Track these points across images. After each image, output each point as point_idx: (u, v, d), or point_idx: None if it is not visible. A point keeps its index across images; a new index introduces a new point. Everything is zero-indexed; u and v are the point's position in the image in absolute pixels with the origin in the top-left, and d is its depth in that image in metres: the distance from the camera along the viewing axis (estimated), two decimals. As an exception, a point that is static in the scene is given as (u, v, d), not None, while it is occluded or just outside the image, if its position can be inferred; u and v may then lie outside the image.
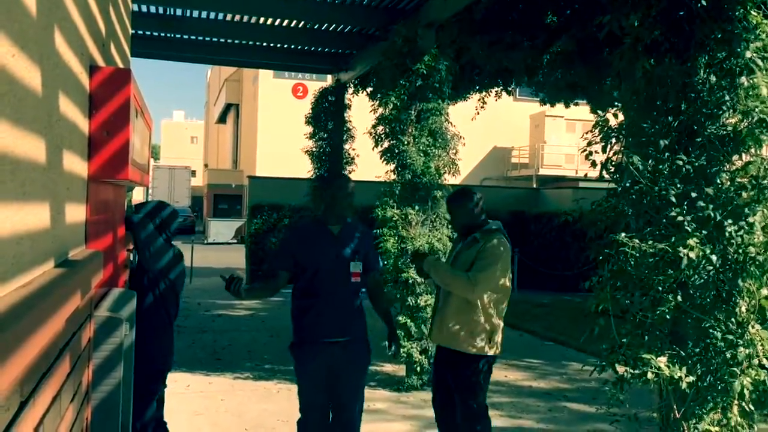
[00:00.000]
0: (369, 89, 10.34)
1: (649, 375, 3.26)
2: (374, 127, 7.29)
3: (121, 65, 3.59)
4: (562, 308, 12.28)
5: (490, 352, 4.12)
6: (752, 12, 3.27)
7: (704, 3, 3.34)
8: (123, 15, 3.77)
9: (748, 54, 3.28)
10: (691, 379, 3.28)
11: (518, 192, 19.16)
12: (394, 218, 6.98)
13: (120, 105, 2.62)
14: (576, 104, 11.26)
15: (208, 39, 9.93)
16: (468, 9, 7.31)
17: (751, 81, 3.28)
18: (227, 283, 3.95)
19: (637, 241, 3.35)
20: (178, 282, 4.30)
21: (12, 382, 1.27)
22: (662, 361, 3.27)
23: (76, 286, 1.96)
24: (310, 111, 10.67)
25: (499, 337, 4.16)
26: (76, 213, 2.34)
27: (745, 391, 3.30)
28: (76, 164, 2.32)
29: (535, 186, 24.30)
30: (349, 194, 4.02)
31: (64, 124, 2.08)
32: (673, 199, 3.31)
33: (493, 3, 7.80)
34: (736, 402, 3.39)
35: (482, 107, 10.53)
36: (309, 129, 10.69)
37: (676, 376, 3.24)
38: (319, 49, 10.21)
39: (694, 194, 3.33)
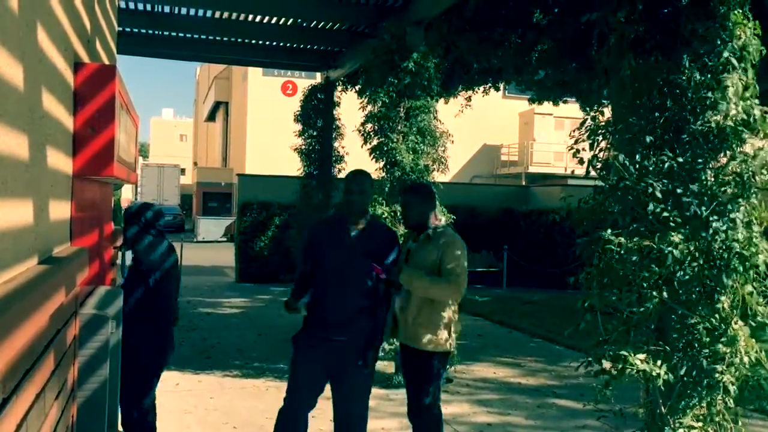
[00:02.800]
0: (358, 87, 10.33)
1: (627, 371, 3.28)
2: (363, 124, 7.30)
3: (107, 62, 3.58)
4: (551, 305, 12.32)
5: (450, 348, 4.18)
6: (734, 11, 3.30)
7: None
8: (109, 12, 3.76)
9: (726, 53, 3.31)
10: (668, 376, 3.30)
11: (507, 189, 19.22)
12: (383, 215, 6.99)
13: (105, 101, 2.61)
14: (565, 102, 11.29)
15: (196, 36, 9.90)
16: (457, 6, 7.32)
17: (731, 79, 3.31)
18: (288, 308, 3.99)
19: (622, 238, 3.36)
20: (171, 275, 4.34)
21: (-7, 379, 1.27)
22: (640, 358, 3.29)
23: (60, 283, 1.96)
24: (300, 109, 10.65)
25: (455, 332, 4.21)
26: (60, 210, 2.33)
27: (729, 387, 3.33)
28: (60, 161, 2.31)
29: (524, 183, 24.36)
30: (355, 193, 3.92)
31: (48, 120, 2.07)
32: (659, 196, 3.33)
33: (482, 1, 7.81)
34: (720, 397, 3.41)
35: (467, 105, 10.55)
36: (298, 127, 10.67)
37: (654, 373, 3.26)
38: (309, 46, 10.20)
39: (679, 191, 3.34)
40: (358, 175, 4.08)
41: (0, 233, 1.50)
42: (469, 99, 10.62)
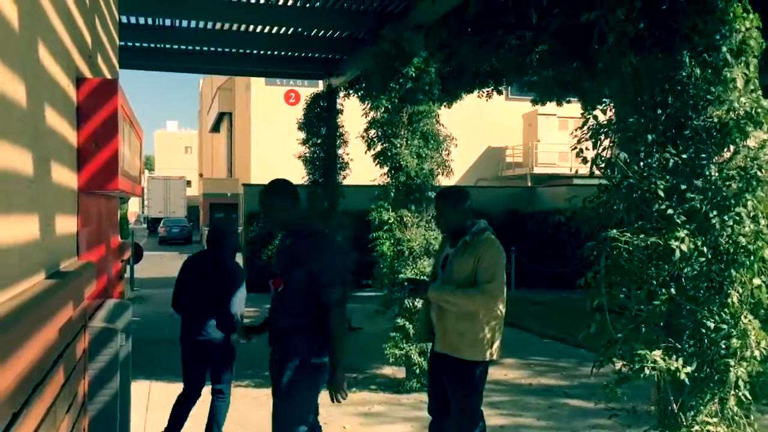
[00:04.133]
0: (360, 93, 10.38)
1: (646, 371, 3.27)
2: (366, 130, 7.32)
3: (109, 77, 3.60)
4: (560, 306, 12.30)
5: (494, 357, 4.03)
6: (733, 5, 3.29)
7: (686, -4, 3.37)
8: (110, 26, 3.78)
9: (724, 48, 3.30)
10: (688, 369, 3.29)
11: (513, 191, 19.20)
12: (389, 221, 7.00)
13: (108, 116, 2.63)
14: (569, 102, 11.28)
15: (198, 48, 9.94)
16: (456, 11, 7.33)
17: (732, 73, 3.30)
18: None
19: (629, 235, 3.36)
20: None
21: (3, 393, 1.28)
22: (657, 354, 3.28)
23: (68, 297, 1.97)
24: (303, 117, 10.68)
25: (499, 340, 4.06)
26: (66, 224, 2.34)
27: (740, 382, 3.31)
28: (65, 176, 2.33)
29: (529, 185, 24.34)
30: (264, 210, 3.72)
31: (52, 136, 2.09)
32: (662, 193, 3.32)
33: (481, 4, 7.81)
34: (732, 393, 3.40)
35: (453, 103, 10.60)
36: (302, 135, 10.71)
37: (672, 368, 3.25)
38: (310, 54, 10.24)
39: (683, 187, 3.34)
40: (261, 192, 3.77)
41: (6, 248, 1.51)
42: (458, 97, 10.68)
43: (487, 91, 10.70)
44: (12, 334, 1.28)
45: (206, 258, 5.02)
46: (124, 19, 8.10)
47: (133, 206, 44.74)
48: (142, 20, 8.43)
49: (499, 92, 10.83)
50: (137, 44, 9.40)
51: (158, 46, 9.66)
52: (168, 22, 8.58)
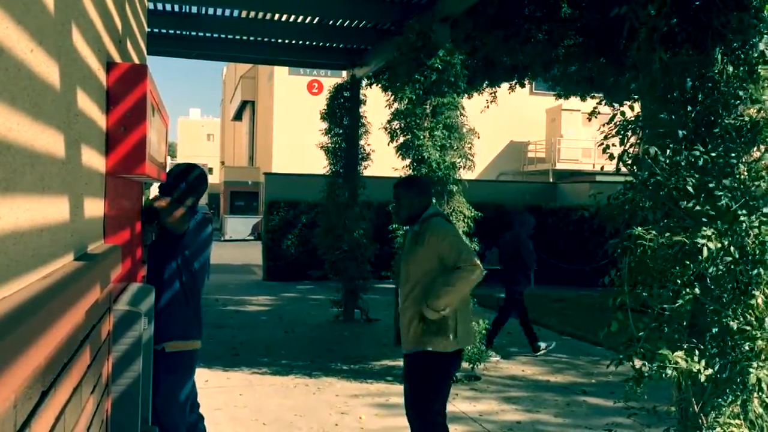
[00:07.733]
0: (384, 84, 10.36)
1: (668, 371, 3.24)
2: (389, 122, 7.30)
3: (137, 62, 3.62)
4: (580, 303, 12.23)
5: (454, 347, 3.96)
6: (769, 1, 3.24)
7: (721, -8, 3.32)
8: (139, 12, 3.80)
9: (761, 46, 3.25)
10: (709, 371, 3.26)
11: (535, 186, 19.10)
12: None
13: (137, 101, 2.64)
14: (593, 97, 11.18)
15: (223, 36, 9.98)
16: (482, 3, 7.29)
17: (766, 71, 3.25)
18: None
19: (654, 233, 3.32)
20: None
21: (33, 372, 1.29)
22: (679, 355, 3.25)
23: (96, 280, 1.99)
24: (326, 107, 10.68)
25: (464, 325, 4.00)
26: (94, 207, 2.36)
27: (763, 384, 3.27)
28: (94, 159, 2.34)
29: (551, 180, 24.19)
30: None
31: (82, 119, 2.11)
32: (691, 191, 3.28)
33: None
34: (756, 395, 3.36)
35: (493, 101, 10.50)
36: (324, 125, 10.71)
37: (694, 370, 3.22)
38: (334, 44, 10.23)
39: (711, 185, 3.30)
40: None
41: (38, 229, 1.53)
42: (494, 95, 10.58)
43: (511, 85, 10.63)
44: (44, 313, 1.29)
45: (512, 235, 8.66)
46: (151, 6, 8.14)
47: (154, 192, 45.09)
48: (169, 7, 8.48)
49: (522, 85, 10.75)
50: (163, 31, 9.45)
51: (184, 33, 9.71)
52: (195, 9, 8.62)
